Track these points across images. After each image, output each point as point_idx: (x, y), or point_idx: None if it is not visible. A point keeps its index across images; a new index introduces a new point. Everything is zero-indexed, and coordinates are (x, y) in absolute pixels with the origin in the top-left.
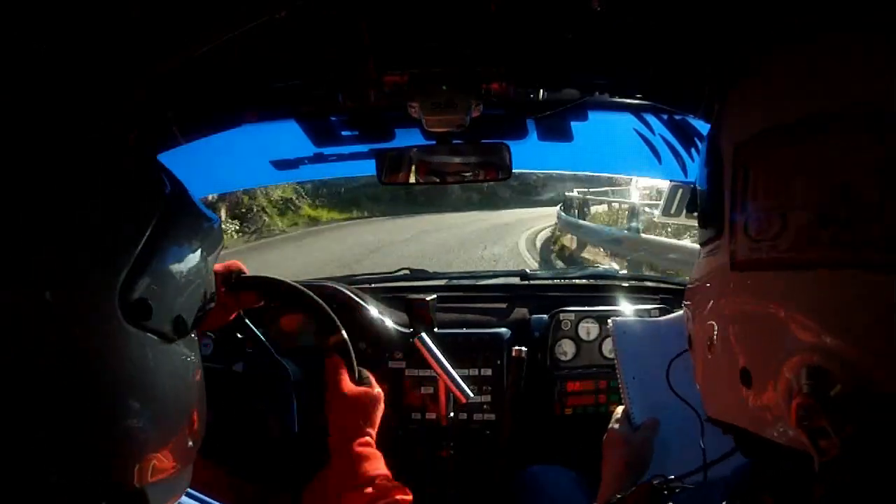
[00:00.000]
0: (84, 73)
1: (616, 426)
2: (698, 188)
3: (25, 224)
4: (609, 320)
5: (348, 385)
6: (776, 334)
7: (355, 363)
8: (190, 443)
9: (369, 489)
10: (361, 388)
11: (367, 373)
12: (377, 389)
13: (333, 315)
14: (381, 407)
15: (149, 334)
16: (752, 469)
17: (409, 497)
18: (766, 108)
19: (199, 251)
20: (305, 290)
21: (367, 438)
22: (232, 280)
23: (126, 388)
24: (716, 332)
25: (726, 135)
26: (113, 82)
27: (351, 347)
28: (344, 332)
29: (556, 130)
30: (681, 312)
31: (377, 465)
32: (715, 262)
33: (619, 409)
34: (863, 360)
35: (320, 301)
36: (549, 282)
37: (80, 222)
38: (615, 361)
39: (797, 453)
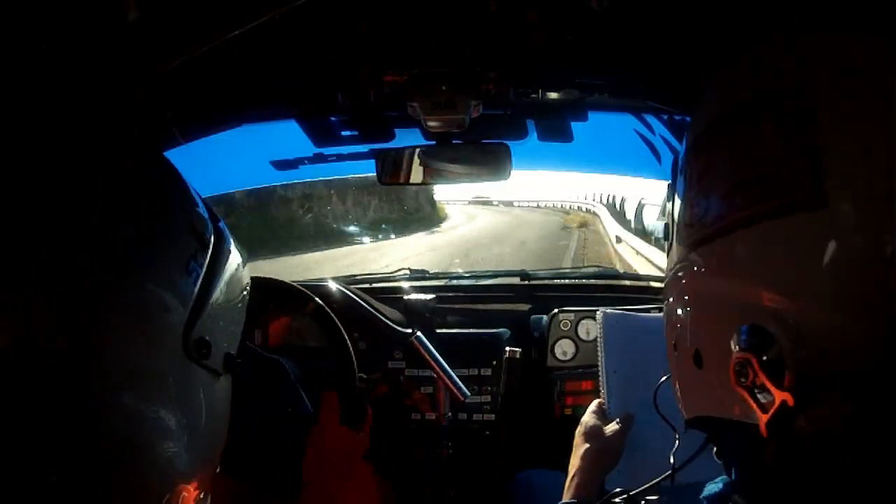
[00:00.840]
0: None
1: (589, 418)
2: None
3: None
4: (598, 310)
5: (335, 428)
6: (712, 309)
7: (352, 397)
8: (217, 469)
9: None
10: (341, 436)
11: (365, 410)
12: (360, 435)
13: (334, 315)
14: (358, 456)
15: (204, 370)
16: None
17: None
18: (704, 111)
19: (240, 287)
20: (306, 290)
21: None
22: None
23: (179, 422)
24: (673, 332)
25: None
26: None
27: (352, 378)
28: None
29: (556, 130)
30: None
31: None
32: (668, 270)
33: (595, 402)
34: (790, 306)
35: (321, 302)
36: (549, 282)
37: (149, 264)
38: (598, 352)
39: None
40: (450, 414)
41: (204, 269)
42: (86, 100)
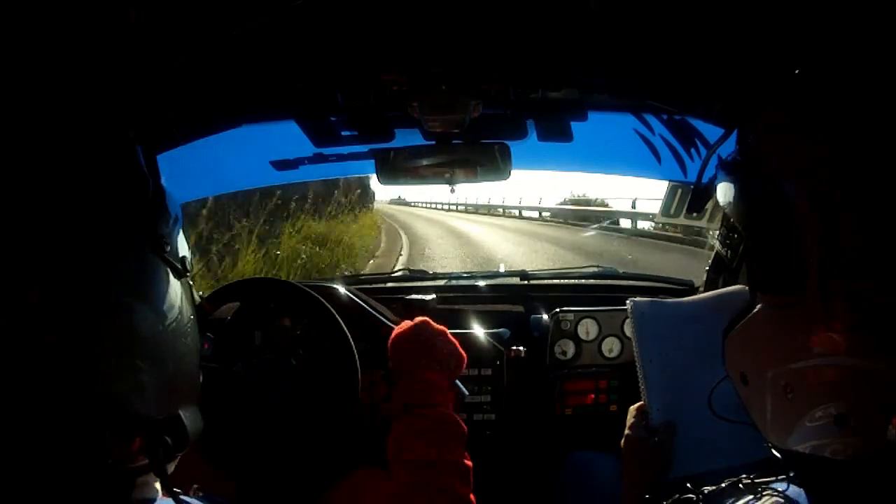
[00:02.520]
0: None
1: (632, 432)
2: (742, 227)
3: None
4: (628, 300)
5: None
6: (878, 387)
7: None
8: (200, 377)
9: (427, 413)
10: (421, 320)
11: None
12: (437, 326)
13: (335, 314)
14: (449, 341)
15: (165, 265)
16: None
17: (465, 429)
18: (834, 131)
19: (179, 216)
20: (307, 290)
21: (435, 366)
22: None
23: (154, 313)
24: (799, 382)
25: (785, 170)
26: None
27: None
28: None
29: (555, 130)
30: (705, 295)
31: (438, 395)
32: (789, 320)
33: (633, 408)
34: None
35: (322, 301)
36: (549, 282)
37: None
38: (633, 345)
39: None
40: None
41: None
42: (82, 100)
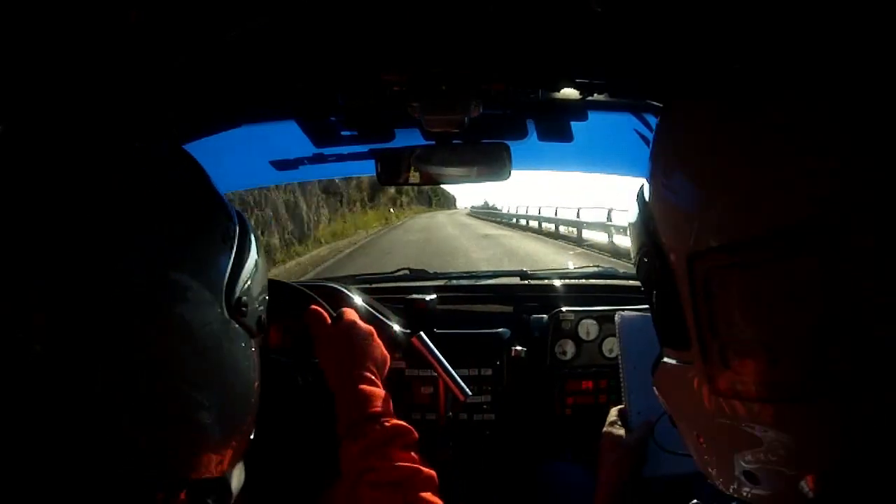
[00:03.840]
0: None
1: (611, 429)
2: (640, 278)
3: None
4: (616, 314)
5: (331, 325)
6: (772, 451)
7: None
8: (252, 433)
9: (375, 427)
10: (346, 323)
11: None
12: (365, 326)
13: (330, 309)
14: (377, 342)
15: (242, 329)
16: None
17: (416, 436)
18: (727, 211)
19: (263, 261)
20: (307, 290)
21: (368, 374)
22: None
23: (224, 379)
24: (705, 434)
25: (668, 238)
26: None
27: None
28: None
29: (556, 130)
30: None
31: (379, 403)
32: (686, 375)
33: (614, 410)
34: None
35: (322, 301)
36: (549, 282)
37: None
38: (619, 356)
39: None
40: (450, 414)
41: (236, 241)
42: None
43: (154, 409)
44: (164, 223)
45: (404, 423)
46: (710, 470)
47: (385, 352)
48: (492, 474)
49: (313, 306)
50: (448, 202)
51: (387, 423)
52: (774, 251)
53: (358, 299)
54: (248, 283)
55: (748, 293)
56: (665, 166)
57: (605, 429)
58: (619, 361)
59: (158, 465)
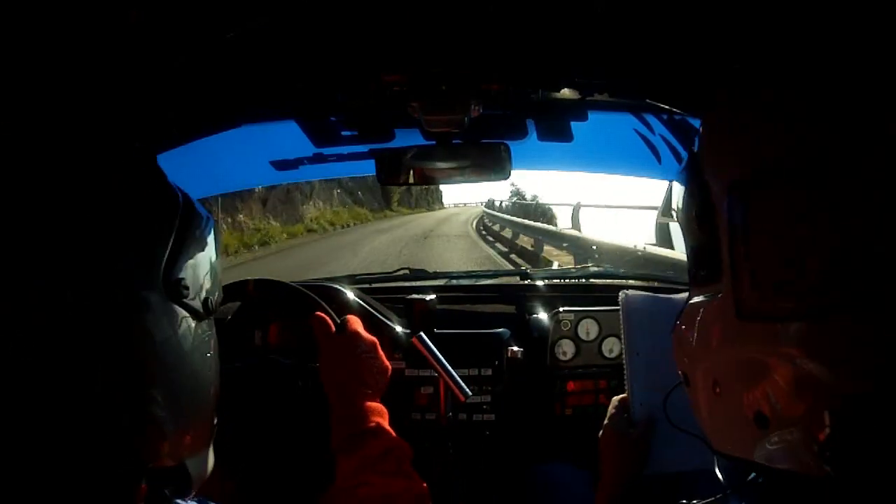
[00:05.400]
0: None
1: (611, 423)
2: (681, 221)
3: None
4: (620, 292)
5: (334, 334)
6: (795, 381)
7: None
8: (214, 419)
9: (371, 442)
10: (350, 333)
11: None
12: (367, 337)
13: (335, 315)
14: (379, 354)
15: (185, 311)
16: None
17: (410, 452)
18: (758, 143)
19: (213, 243)
20: (306, 290)
21: (365, 388)
22: None
23: (168, 362)
24: (723, 378)
25: (712, 169)
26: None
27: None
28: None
29: (555, 130)
30: None
31: (374, 418)
32: (713, 308)
33: (615, 400)
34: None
35: (321, 302)
36: (549, 281)
37: (126, 221)
38: (622, 338)
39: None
40: (450, 414)
41: (178, 221)
42: (95, 104)
43: (98, 398)
44: (98, 208)
45: (398, 439)
46: (718, 431)
47: (386, 363)
48: (491, 474)
49: (318, 313)
50: (428, 201)
51: (382, 439)
52: (806, 177)
53: (356, 299)
54: (192, 262)
55: (781, 216)
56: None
57: (606, 422)
58: (623, 344)
59: (111, 455)
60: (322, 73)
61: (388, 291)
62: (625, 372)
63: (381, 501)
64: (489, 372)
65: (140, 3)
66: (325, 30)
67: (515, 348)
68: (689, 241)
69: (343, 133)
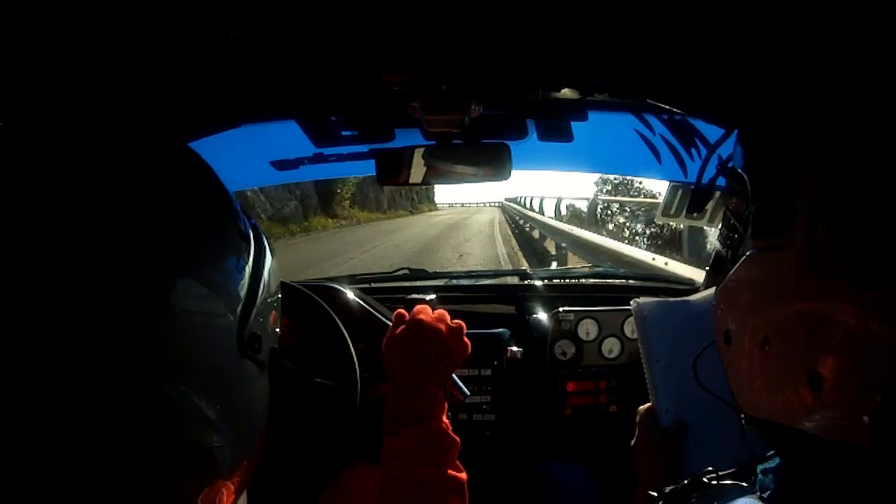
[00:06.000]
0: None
1: (643, 432)
2: (748, 186)
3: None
4: (632, 301)
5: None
6: (860, 344)
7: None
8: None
9: (418, 429)
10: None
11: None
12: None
13: (334, 315)
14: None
15: (254, 365)
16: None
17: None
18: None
19: (277, 284)
20: (306, 290)
21: (434, 384)
22: None
23: (236, 415)
24: (777, 334)
25: (798, 138)
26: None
27: None
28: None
29: (556, 130)
30: (711, 291)
31: (439, 410)
32: (776, 261)
33: (642, 409)
34: None
35: (321, 302)
36: (549, 282)
37: (202, 262)
38: (640, 347)
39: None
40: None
41: (250, 266)
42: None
43: (157, 444)
44: (171, 229)
45: (448, 428)
46: (757, 391)
47: (454, 347)
48: (492, 474)
49: (399, 310)
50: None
51: (437, 425)
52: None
53: (356, 299)
54: (263, 314)
55: (873, 176)
56: None
57: (638, 431)
58: (642, 354)
59: (165, 499)
60: (322, 73)
61: (387, 291)
62: (647, 381)
63: (420, 483)
64: (489, 372)
65: (141, 2)
66: (325, 30)
67: (515, 348)
68: (747, 193)
69: (343, 133)
